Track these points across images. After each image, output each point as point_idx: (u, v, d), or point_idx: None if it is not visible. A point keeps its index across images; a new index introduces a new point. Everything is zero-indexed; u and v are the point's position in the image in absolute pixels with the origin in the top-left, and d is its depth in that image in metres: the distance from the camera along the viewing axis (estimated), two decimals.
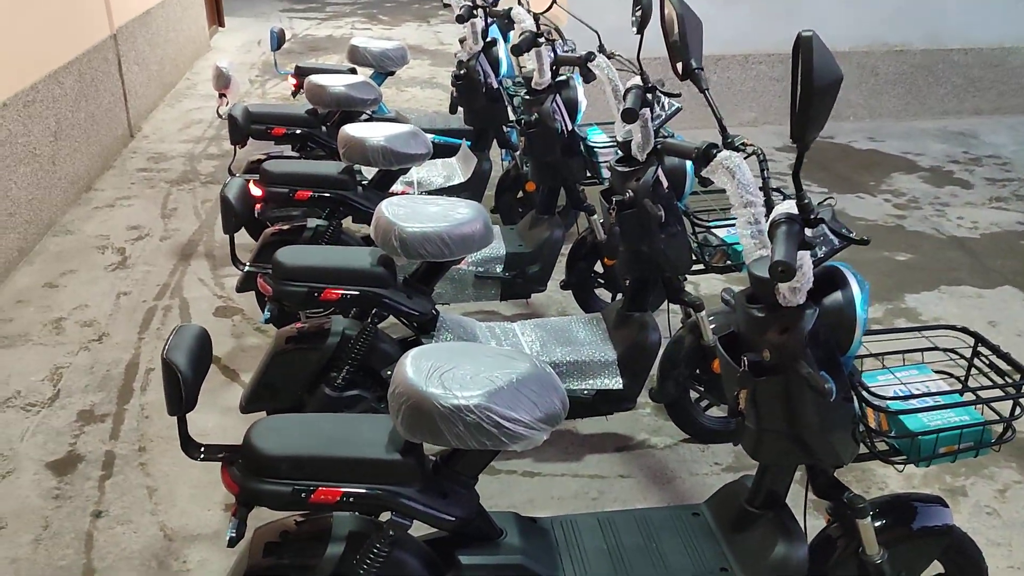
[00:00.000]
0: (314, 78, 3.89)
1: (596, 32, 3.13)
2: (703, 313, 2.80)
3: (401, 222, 2.51)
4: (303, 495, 1.69)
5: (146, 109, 6.89)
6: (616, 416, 2.98)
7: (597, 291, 3.72)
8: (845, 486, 1.92)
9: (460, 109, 4.62)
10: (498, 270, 3.47)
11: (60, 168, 4.98)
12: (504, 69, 4.50)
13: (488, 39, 4.41)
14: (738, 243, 2.56)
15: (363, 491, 1.71)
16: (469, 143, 4.52)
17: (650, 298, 2.86)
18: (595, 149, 3.47)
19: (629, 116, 2.43)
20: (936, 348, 2.07)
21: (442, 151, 4.49)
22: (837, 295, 1.74)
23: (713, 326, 2.78)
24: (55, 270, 4.34)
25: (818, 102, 1.52)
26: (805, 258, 1.65)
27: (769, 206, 1.88)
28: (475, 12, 4.34)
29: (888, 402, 1.85)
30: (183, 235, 4.76)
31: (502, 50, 4.49)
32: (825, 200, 1.83)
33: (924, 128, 6.63)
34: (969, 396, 1.94)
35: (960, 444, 1.88)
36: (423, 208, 2.60)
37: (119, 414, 3.20)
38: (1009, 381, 1.95)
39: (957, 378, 2.02)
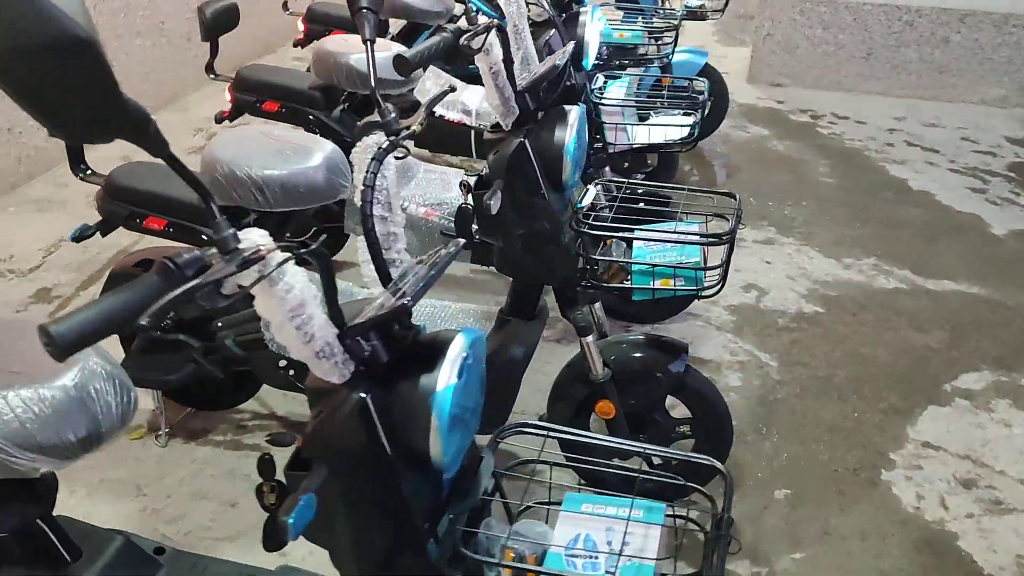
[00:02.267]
0: None
1: None
2: (590, 339, 2.15)
3: (225, 160, 2.14)
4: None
5: None
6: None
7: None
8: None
9: None
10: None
11: None
12: None
13: None
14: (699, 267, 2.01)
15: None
16: None
17: (536, 303, 2.26)
18: (600, 106, 2.81)
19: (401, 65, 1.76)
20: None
21: None
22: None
23: (599, 351, 2.15)
24: None
25: None
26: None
27: None
28: None
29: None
30: None
31: None
32: None
33: None
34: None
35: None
36: (263, 145, 2.20)
37: None
38: None
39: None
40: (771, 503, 2.44)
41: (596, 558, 1.24)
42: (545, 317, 2.27)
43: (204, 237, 2.24)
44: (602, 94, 2.81)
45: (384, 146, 1.27)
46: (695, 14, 4.35)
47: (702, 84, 3.06)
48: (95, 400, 1.37)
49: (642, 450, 1.44)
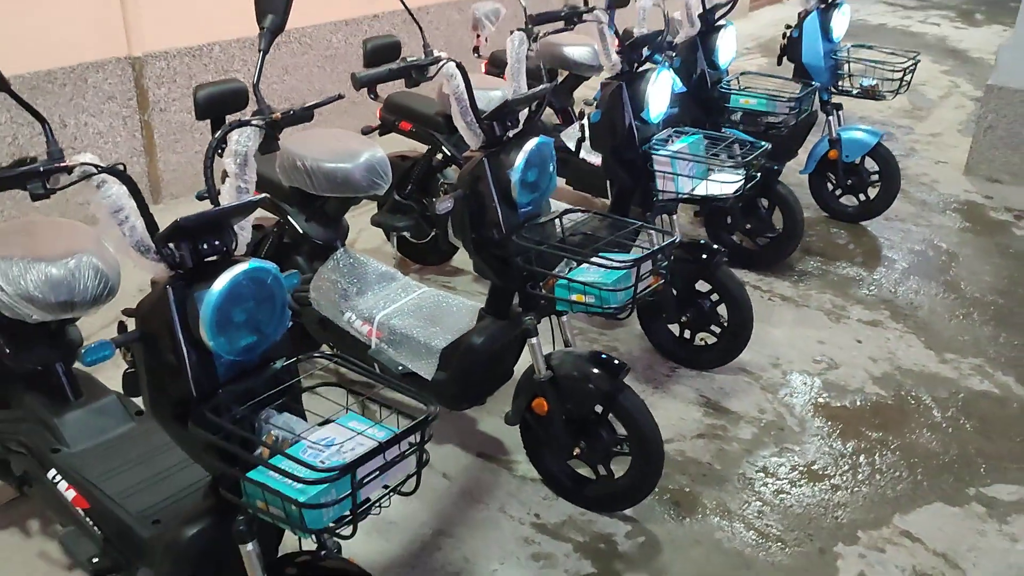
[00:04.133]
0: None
1: None
2: (534, 341, 2.48)
3: (291, 150, 2.76)
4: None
5: None
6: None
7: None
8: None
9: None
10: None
11: None
12: None
13: None
14: (608, 287, 2.27)
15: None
16: None
17: (508, 306, 2.60)
18: (653, 156, 3.08)
19: None
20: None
21: None
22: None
23: (542, 354, 2.47)
24: None
25: None
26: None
27: None
28: None
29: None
30: None
31: None
32: None
33: None
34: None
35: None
36: (324, 144, 2.79)
37: None
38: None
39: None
40: (706, 541, 2.56)
41: (323, 451, 1.62)
42: (518, 321, 2.58)
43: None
44: (663, 146, 3.08)
45: (248, 119, 1.74)
46: (867, 92, 4.38)
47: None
48: (79, 281, 2.00)
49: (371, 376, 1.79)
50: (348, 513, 1.57)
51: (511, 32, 2.56)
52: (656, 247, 2.29)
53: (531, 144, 2.35)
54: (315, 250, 2.97)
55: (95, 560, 1.96)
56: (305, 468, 1.48)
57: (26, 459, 2.20)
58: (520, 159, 2.33)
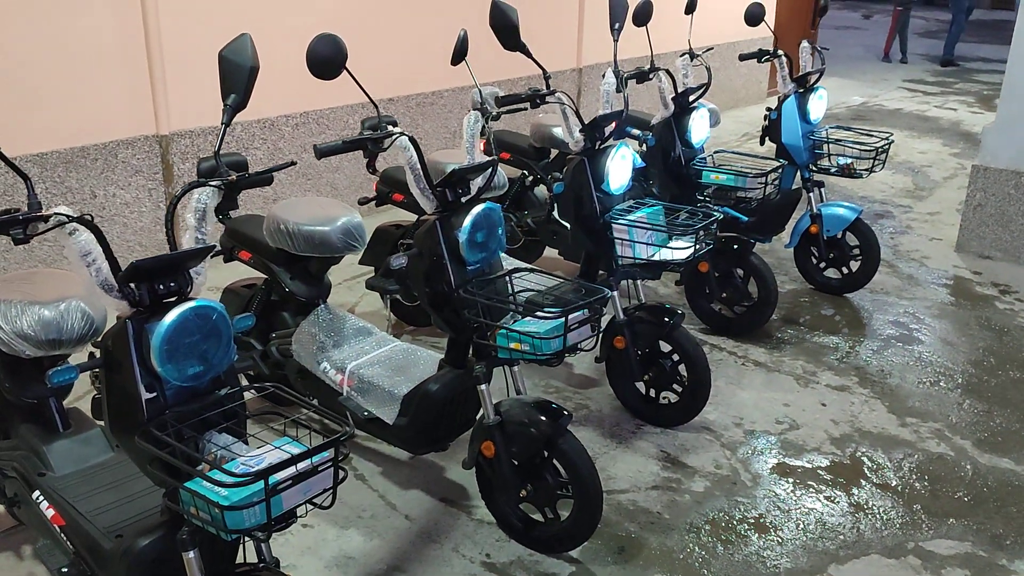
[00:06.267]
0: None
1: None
2: (484, 388, 2.70)
3: (275, 214, 3.07)
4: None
5: None
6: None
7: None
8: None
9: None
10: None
11: None
12: None
13: None
14: (541, 336, 2.49)
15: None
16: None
17: (464, 356, 2.83)
18: (612, 225, 3.33)
19: None
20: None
21: None
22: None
23: (491, 400, 2.69)
24: None
25: None
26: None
27: None
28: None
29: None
30: None
31: None
32: None
33: None
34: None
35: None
36: (307, 209, 3.10)
37: None
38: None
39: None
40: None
41: (252, 467, 1.85)
42: (470, 370, 2.79)
43: None
44: (622, 216, 3.33)
45: (206, 180, 2.02)
46: (844, 170, 4.61)
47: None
48: (66, 322, 2.29)
49: (302, 404, 2.01)
50: (269, 521, 1.79)
51: (469, 110, 2.86)
52: (585, 300, 2.52)
53: (479, 208, 2.62)
54: (299, 306, 3.25)
55: (64, 570, 2.20)
56: (229, 476, 1.72)
57: (17, 483, 2.46)
58: (468, 221, 2.59)
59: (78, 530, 2.23)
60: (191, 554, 1.92)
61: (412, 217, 4.07)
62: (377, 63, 5.78)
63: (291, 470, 1.75)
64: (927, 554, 2.87)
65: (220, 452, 1.92)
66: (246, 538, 1.93)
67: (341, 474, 1.85)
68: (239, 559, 2.12)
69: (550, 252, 4.74)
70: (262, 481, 1.70)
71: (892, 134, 4.65)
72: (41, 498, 2.35)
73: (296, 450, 1.81)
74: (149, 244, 4.62)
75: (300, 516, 1.85)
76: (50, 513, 2.31)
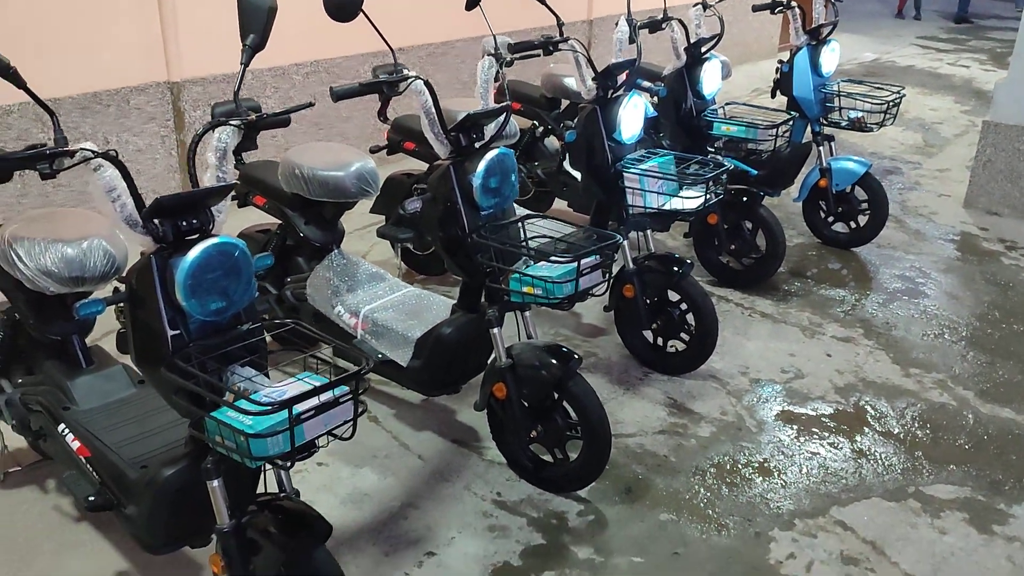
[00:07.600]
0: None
1: None
2: (496, 331, 2.75)
3: (291, 159, 3.10)
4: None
5: None
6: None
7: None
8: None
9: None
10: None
11: None
12: None
13: None
14: (553, 280, 2.52)
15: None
16: None
17: (477, 300, 2.88)
18: (624, 174, 3.36)
19: None
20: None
21: None
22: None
23: (504, 343, 2.74)
24: None
25: None
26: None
27: None
28: None
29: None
30: None
31: None
32: None
33: None
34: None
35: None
36: (321, 154, 3.13)
37: None
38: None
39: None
40: (646, 517, 2.79)
41: (275, 398, 1.91)
42: (483, 314, 2.84)
43: None
44: (634, 165, 3.35)
45: (227, 119, 2.04)
46: (855, 124, 4.61)
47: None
48: (89, 259, 2.34)
49: (323, 339, 2.07)
50: (292, 450, 1.85)
51: (482, 56, 2.88)
52: (597, 245, 2.56)
53: (492, 154, 2.65)
54: (313, 251, 3.30)
55: (91, 498, 2.27)
56: (253, 404, 1.77)
57: (43, 416, 2.53)
58: (481, 166, 2.63)
59: (103, 461, 2.30)
60: (215, 483, 1.99)
61: (423, 166, 4.10)
62: (388, 11, 5.75)
63: (313, 401, 1.80)
64: (927, 498, 2.94)
65: (243, 384, 1.98)
66: (267, 468, 2.00)
67: (360, 407, 1.91)
68: (259, 490, 2.19)
69: (559, 204, 4.76)
70: (286, 410, 1.75)
71: (903, 88, 4.64)
72: (66, 431, 2.42)
73: (317, 382, 1.86)
74: (163, 191, 4.64)
75: (321, 447, 1.91)
76: (75, 445, 2.38)
